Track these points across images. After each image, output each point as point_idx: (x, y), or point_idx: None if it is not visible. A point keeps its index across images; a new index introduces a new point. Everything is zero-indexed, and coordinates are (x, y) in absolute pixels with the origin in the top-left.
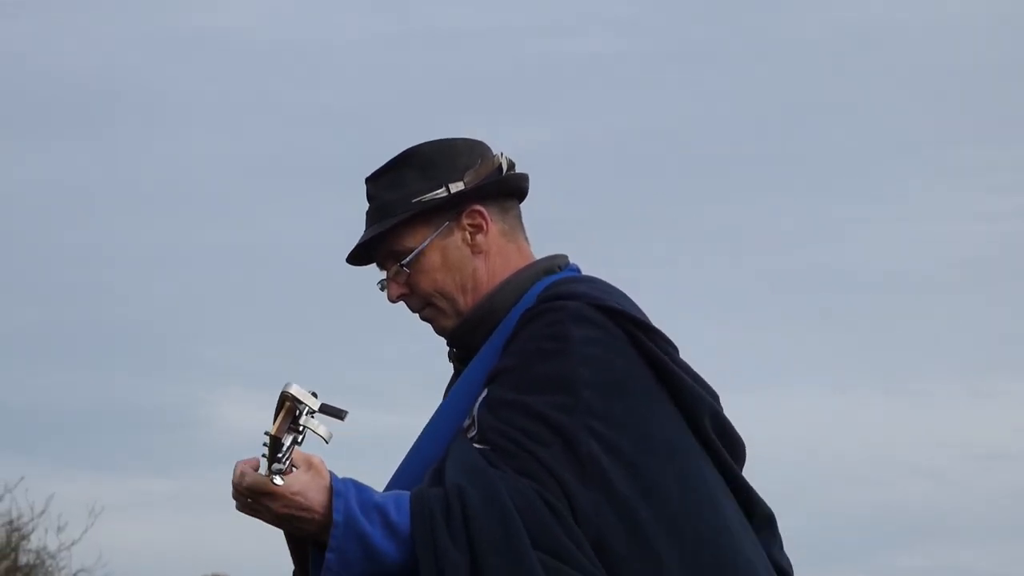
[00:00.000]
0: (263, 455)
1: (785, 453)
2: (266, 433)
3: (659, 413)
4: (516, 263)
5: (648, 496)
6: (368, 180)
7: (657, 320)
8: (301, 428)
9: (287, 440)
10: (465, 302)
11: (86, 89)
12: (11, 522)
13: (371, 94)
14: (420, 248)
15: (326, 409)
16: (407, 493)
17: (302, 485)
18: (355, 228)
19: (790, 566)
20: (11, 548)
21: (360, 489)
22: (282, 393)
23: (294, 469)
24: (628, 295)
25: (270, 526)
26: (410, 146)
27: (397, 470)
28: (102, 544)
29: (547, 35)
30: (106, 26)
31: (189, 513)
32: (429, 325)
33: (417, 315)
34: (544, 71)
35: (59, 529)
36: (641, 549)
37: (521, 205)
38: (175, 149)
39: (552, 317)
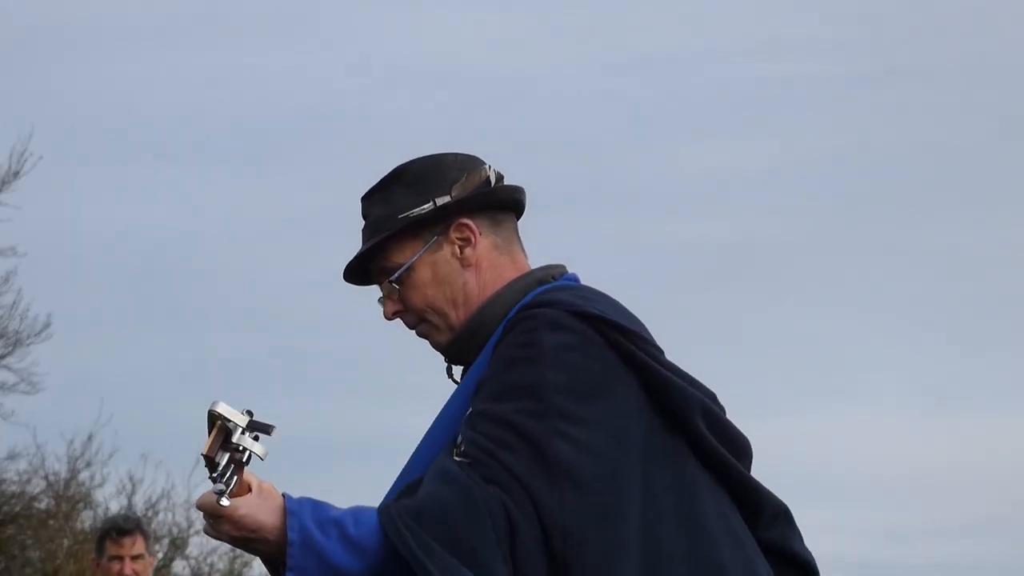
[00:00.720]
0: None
1: None
2: (202, 454)
3: (641, 415)
4: (509, 275)
5: (624, 498)
6: (362, 199)
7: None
8: (238, 447)
9: (223, 459)
10: (457, 316)
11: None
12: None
13: (592, 121)
14: (409, 263)
15: (253, 425)
16: (370, 508)
17: (249, 507)
18: (555, 255)
19: (812, 558)
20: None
21: (316, 506)
22: (209, 412)
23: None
24: (619, 303)
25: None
26: (401, 163)
27: (389, 489)
28: None
29: (758, 58)
30: (315, 57)
31: None
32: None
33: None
34: (758, 93)
35: None
36: (615, 548)
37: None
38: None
39: (527, 325)
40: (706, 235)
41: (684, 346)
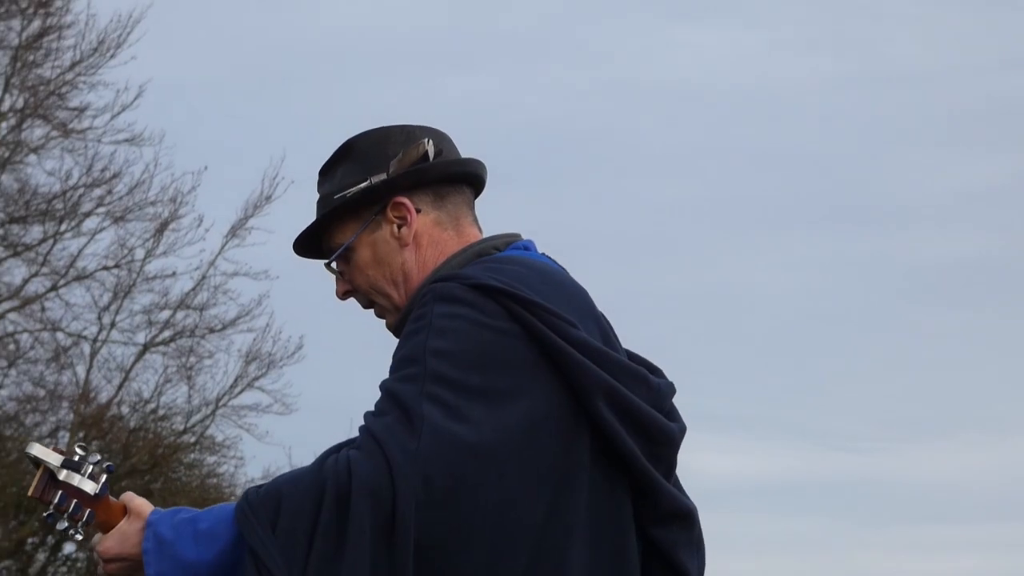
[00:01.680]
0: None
1: None
2: (29, 495)
3: (530, 387)
4: (451, 250)
5: (489, 473)
6: (319, 174)
7: None
8: (67, 485)
9: (55, 498)
10: (399, 296)
11: (552, 138)
12: None
13: (823, 136)
14: (346, 244)
15: (68, 464)
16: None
17: (114, 541)
18: (810, 272)
19: (695, 566)
20: None
21: (177, 512)
22: (26, 455)
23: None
24: (552, 277)
25: None
26: (353, 136)
27: None
28: None
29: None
30: (569, 77)
31: None
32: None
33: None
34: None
35: None
36: (464, 519)
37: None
38: (635, 194)
39: (422, 300)
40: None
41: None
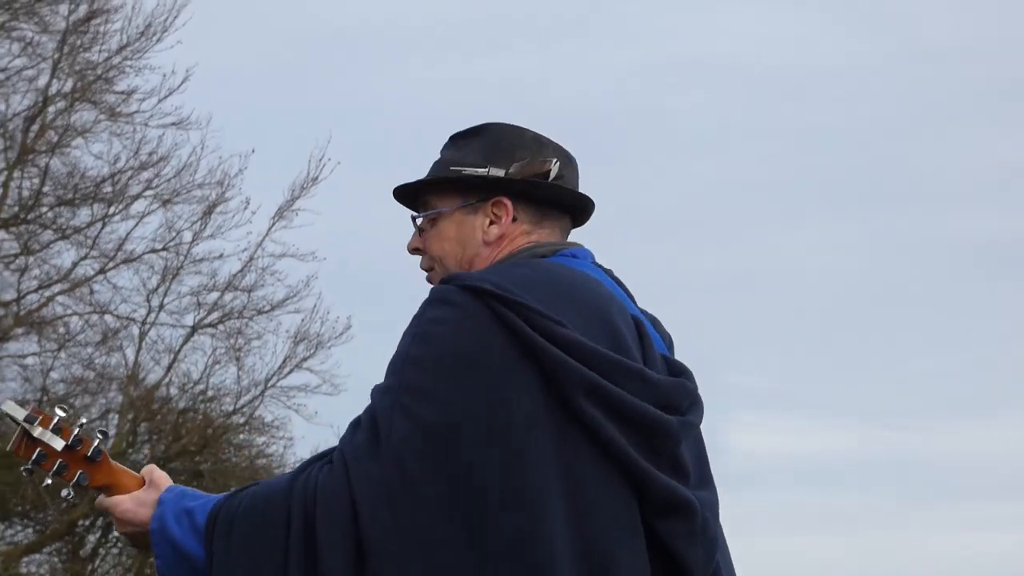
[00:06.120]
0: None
1: None
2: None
3: (511, 386)
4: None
5: (454, 479)
6: (449, 138)
7: None
8: (42, 442)
9: (34, 454)
10: None
11: (595, 117)
12: None
13: (866, 114)
14: (439, 211)
15: (28, 419)
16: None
17: (130, 503)
18: (854, 250)
19: (698, 559)
20: None
21: (183, 496)
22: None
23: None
24: (555, 284)
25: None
26: (495, 122)
27: None
28: None
29: None
30: (610, 56)
31: None
32: None
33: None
34: None
35: None
36: (426, 531)
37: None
38: (680, 174)
39: (422, 303)
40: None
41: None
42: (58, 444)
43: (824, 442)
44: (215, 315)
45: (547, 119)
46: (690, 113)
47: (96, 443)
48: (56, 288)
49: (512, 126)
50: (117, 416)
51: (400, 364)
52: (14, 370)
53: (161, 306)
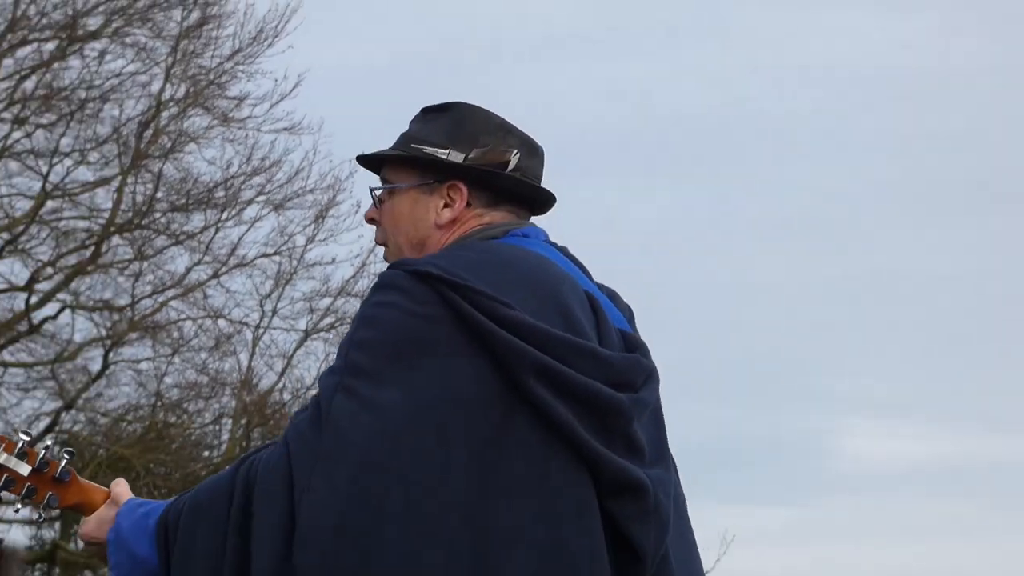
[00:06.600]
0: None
1: None
2: None
3: (455, 369)
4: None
5: (403, 462)
6: (420, 110)
7: None
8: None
9: (1, 481)
10: (408, 256)
11: (707, 124)
12: None
13: (988, 116)
14: (396, 186)
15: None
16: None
17: (92, 524)
18: (970, 255)
19: (650, 539)
20: None
21: (140, 505)
22: None
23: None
24: (505, 265)
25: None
26: (465, 102)
27: None
28: (734, 572)
29: None
30: (722, 61)
31: (818, 541)
32: None
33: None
34: None
35: None
36: (370, 512)
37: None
38: (799, 181)
39: (370, 288)
40: None
41: None
42: (24, 469)
43: (943, 448)
44: (328, 320)
45: (657, 125)
46: (802, 118)
47: (63, 463)
48: (170, 293)
49: (481, 109)
50: (230, 421)
51: (346, 347)
52: (128, 375)
53: (274, 311)
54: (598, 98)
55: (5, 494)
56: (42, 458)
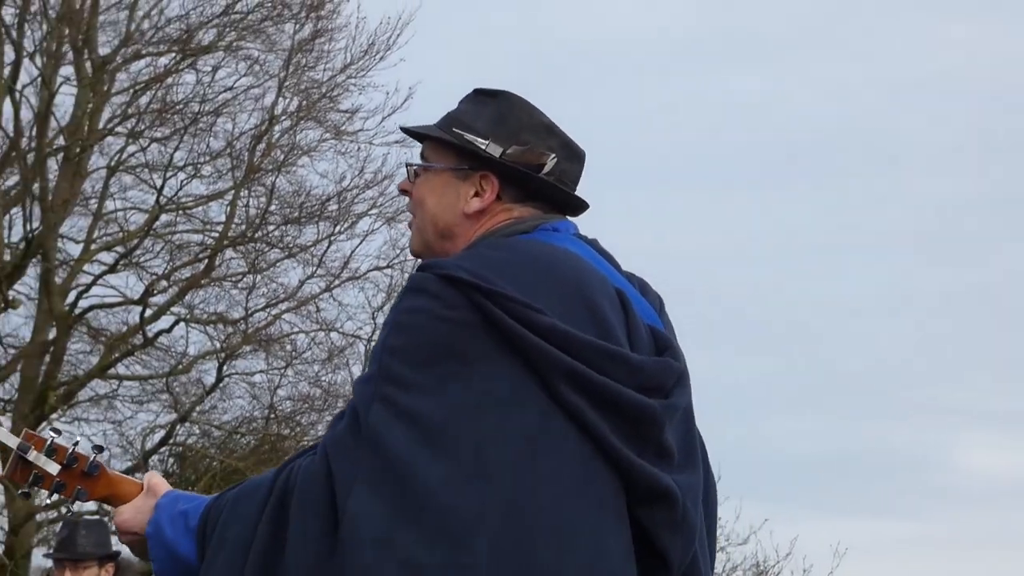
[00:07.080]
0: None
1: None
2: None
3: (487, 375)
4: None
5: (439, 458)
6: (473, 91)
7: None
8: (36, 466)
9: (30, 478)
10: (430, 239)
11: (827, 135)
12: (757, 564)
13: None
14: (431, 165)
15: (21, 447)
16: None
17: (128, 512)
18: None
19: (677, 548)
20: None
21: (179, 500)
22: None
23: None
24: (536, 266)
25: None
26: (512, 92)
27: None
28: None
29: None
30: (842, 74)
31: (932, 555)
32: None
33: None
34: None
35: (804, 571)
36: (413, 512)
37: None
38: (917, 190)
39: (400, 291)
40: None
41: None
42: (53, 467)
43: None
44: None
45: (779, 138)
46: (922, 130)
47: (92, 458)
48: (283, 306)
49: (529, 104)
50: None
51: (379, 354)
52: (242, 387)
53: None
54: (716, 112)
55: (34, 490)
56: (71, 454)
